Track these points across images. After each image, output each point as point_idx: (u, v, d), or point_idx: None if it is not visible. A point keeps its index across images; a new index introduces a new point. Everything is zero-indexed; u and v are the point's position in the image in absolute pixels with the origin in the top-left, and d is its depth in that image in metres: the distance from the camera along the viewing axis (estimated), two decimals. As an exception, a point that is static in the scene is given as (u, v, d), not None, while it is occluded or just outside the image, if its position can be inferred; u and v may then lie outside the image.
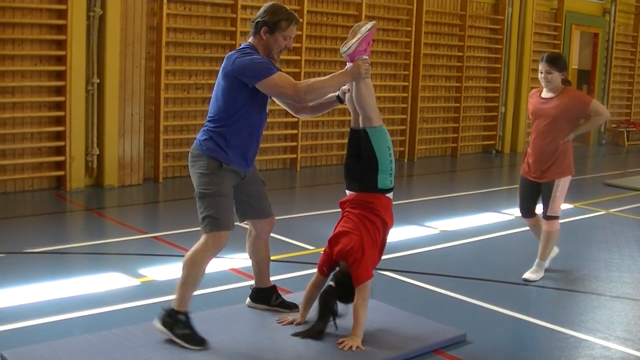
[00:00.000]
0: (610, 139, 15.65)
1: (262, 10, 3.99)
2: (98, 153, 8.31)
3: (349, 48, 4.02)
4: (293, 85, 3.82)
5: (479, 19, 12.73)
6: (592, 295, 5.27)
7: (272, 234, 4.43)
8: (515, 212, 6.23)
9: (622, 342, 4.33)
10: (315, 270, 4.26)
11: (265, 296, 4.45)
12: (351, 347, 3.89)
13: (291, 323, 4.22)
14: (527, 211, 5.64)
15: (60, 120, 8.07)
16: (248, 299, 4.51)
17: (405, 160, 11.72)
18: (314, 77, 4.48)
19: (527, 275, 5.49)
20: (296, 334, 4.07)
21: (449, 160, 12.39)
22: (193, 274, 3.87)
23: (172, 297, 3.94)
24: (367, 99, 4.07)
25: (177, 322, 3.86)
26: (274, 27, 3.93)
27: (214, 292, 4.74)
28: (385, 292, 4.74)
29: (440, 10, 12.02)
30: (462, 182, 10.82)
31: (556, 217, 5.44)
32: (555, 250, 5.70)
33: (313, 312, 4.19)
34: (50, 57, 8.02)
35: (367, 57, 4.06)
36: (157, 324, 3.91)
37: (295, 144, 10.32)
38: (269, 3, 4.08)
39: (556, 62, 5.32)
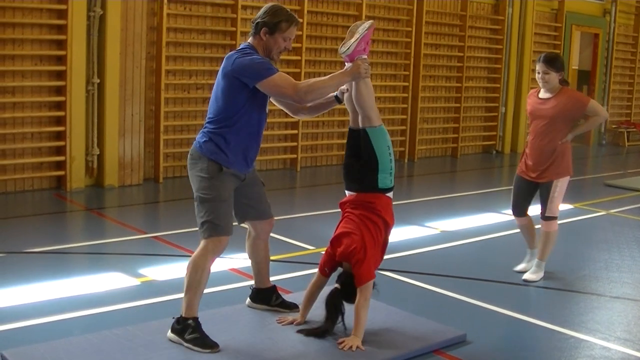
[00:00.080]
0: (611, 139, 15.65)
1: (262, 11, 3.99)
2: (98, 153, 8.31)
3: (348, 48, 4.02)
4: (293, 86, 3.82)
5: (479, 19, 12.73)
6: (592, 295, 5.27)
7: (272, 234, 4.43)
8: (516, 212, 6.23)
9: (622, 343, 4.33)
10: (315, 270, 4.27)
11: (266, 296, 4.45)
12: (351, 347, 3.89)
13: (291, 323, 4.22)
14: (521, 210, 5.60)
15: (60, 120, 8.07)
16: (248, 299, 4.51)
17: (406, 160, 11.72)
18: (314, 77, 4.48)
19: (527, 275, 5.49)
20: (301, 331, 4.09)
21: (449, 160, 12.39)
22: (196, 280, 3.86)
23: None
24: (367, 98, 4.07)
25: (186, 327, 3.86)
26: (274, 28, 3.93)
27: (214, 292, 4.74)
28: (386, 292, 4.73)
29: (441, 11, 12.02)
30: (463, 182, 10.82)
31: (555, 218, 5.44)
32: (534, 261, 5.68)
33: (313, 312, 4.20)
34: (50, 57, 8.02)
35: (366, 56, 4.07)
36: (169, 333, 3.92)
37: (295, 144, 10.32)
38: (269, 4, 4.08)
39: (553, 62, 5.30)
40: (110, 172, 8.39)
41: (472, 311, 4.81)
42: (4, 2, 7.55)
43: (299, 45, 9.95)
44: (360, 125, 4.11)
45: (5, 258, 5.59)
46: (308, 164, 10.67)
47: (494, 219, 7.67)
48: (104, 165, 8.35)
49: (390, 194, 4.16)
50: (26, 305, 4.52)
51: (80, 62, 8.03)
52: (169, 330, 3.92)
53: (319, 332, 4.05)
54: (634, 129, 15.66)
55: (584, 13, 14.64)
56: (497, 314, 4.76)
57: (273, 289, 4.48)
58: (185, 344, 3.83)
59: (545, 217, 5.43)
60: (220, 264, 5.30)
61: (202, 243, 3.89)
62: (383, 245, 4.19)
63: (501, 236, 6.93)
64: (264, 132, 4.16)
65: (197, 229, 3.94)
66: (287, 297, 4.55)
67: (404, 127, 11.69)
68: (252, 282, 4.53)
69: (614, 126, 15.59)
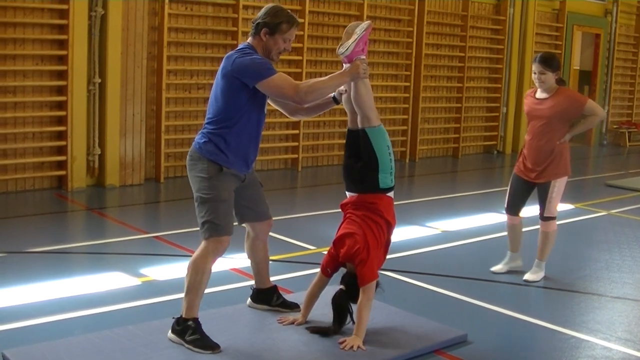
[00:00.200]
0: (612, 139, 15.64)
1: (262, 11, 3.98)
2: (99, 153, 8.32)
3: (347, 49, 4.03)
4: (294, 86, 3.81)
5: (481, 19, 12.73)
6: (593, 295, 5.27)
7: (273, 234, 4.44)
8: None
9: (623, 343, 4.32)
10: (316, 270, 4.27)
11: (266, 296, 4.45)
12: (352, 346, 3.90)
13: (292, 323, 4.22)
14: (515, 209, 5.58)
15: (61, 120, 8.07)
16: (249, 299, 4.51)
17: (407, 160, 11.72)
18: (316, 77, 4.48)
19: (528, 276, 5.49)
20: (307, 328, 4.10)
21: (450, 160, 12.39)
22: (197, 280, 3.85)
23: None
24: (366, 98, 4.07)
25: (186, 329, 3.85)
26: (275, 29, 3.92)
27: (214, 292, 4.74)
28: (387, 292, 4.73)
29: (442, 11, 12.02)
30: (464, 182, 10.81)
31: (553, 218, 5.43)
32: (519, 264, 5.67)
33: (314, 312, 4.20)
34: (51, 57, 8.02)
35: (364, 57, 4.07)
36: (169, 334, 3.92)
37: (296, 144, 10.32)
38: (270, 4, 4.08)
39: (549, 62, 5.27)
40: (111, 171, 8.40)
41: (473, 311, 4.81)
42: (5, 2, 7.56)
43: (300, 45, 9.95)
44: (360, 125, 4.11)
45: (6, 258, 5.59)
46: (309, 164, 10.66)
47: (495, 219, 7.66)
48: (105, 165, 8.36)
49: (391, 194, 4.17)
50: (27, 305, 4.52)
51: (82, 62, 8.03)
52: (169, 331, 3.92)
53: (327, 331, 4.06)
54: (635, 129, 15.65)
55: (585, 13, 14.64)
56: (498, 314, 4.76)
57: (274, 289, 4.48)
58: (186, 345, 3.83)
59: (543, 217, 5.42)
60: (221, 264, 5.29)
61: (202, 244, 3.89)
62: (385, 246, 4.19)
63: (502, 236, 6.87)
64: (265, 132, 4.16)
65: (198, 229, 3.94)
66: (288, 297, 4.55)
67: (405, 127, 11.68)
68: (252, 282, 4.53)
69: (615, 126, 15.58)
